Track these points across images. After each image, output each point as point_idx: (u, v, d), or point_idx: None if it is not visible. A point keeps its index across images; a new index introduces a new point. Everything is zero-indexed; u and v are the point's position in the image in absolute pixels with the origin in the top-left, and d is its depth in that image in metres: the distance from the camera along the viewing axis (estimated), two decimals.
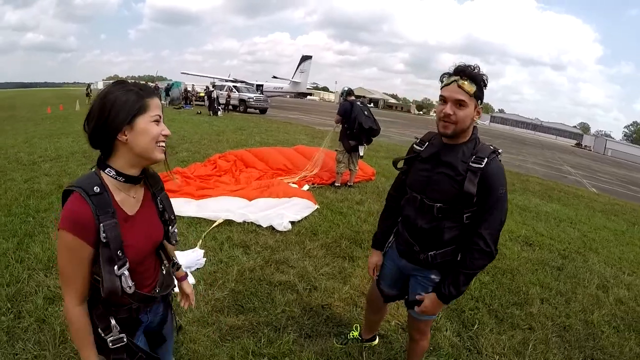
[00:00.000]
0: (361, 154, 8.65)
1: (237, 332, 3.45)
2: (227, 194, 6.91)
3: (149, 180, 1.75)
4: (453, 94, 2.15)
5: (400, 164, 2.64)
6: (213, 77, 43.07)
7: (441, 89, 2.24)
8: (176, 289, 2.09)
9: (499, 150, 2.27)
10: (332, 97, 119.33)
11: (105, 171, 1.55)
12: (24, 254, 4.57)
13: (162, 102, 1.82)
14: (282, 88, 46.72)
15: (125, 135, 1.49)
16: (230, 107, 31.94)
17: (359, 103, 8.46)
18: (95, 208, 1.45)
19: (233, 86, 34.61)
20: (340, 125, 8.64)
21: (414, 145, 2.55)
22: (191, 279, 4.14)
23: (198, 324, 3.46)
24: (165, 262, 1.93)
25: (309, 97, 69.58)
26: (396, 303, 3.79)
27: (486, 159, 2.17)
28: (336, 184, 8.68)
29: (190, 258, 4.57)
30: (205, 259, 4.70)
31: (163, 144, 1.59)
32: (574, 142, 73.50)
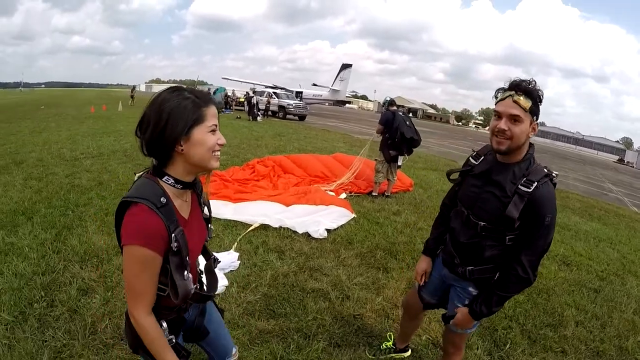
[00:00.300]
0: (399, 164, 8.65)
1: (266, 336, 3.51)
2: (265, 199, 7.03)
3: (203, 184, 1.80)
4: (508, 109, 2.11)
5: (454, 176, 2.64)
6: (253, 83, 43.60)
7: (496, 104, 2.20)
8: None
9: (554, 174, 2.20)
10: (370, 105, 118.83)
11: (164, 179, 1.55)
12: (61, 246, 4.81)
13: None
14: (321, 95, 46.92)
15: (182, 146, 1.49)
16: (270, 113, 32.38)
17: (400, 113, 8.48)
18: (166, 219, 1.47)
19: (273, 92, 35.07)
20: (380, 136, 8.66)
21: (470, 158, 2.53)
22: (225, 281, 4.24)
23: (228, 326, 3.49)
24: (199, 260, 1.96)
25: (347, 105, 69.56)
26: (427, 317, 3.80)
27: (536, 183, 2.11)
28: (373, 194, 8.70)
29: (225, 260, 4.66)
30: (239, 261, 4.79)
31: (218, 153, 1.59)
32: (616, 157, 70.83)
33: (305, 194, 7.53)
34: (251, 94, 31.14)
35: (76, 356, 3.04)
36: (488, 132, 2.37)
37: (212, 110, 1.55)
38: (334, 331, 3.70)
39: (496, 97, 2.21)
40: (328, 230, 6.09)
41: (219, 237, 5.38)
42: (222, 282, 4.14)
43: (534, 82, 2.12)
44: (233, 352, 2.21)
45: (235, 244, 5.23)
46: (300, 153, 12.33)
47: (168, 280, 1.55)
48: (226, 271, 4.53)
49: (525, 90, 2.08)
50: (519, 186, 2.14)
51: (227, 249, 5.06)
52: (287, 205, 6.93)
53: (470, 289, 2.50)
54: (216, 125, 1.57)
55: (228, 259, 4.72)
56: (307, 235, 5.89)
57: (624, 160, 64.85)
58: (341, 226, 6.44)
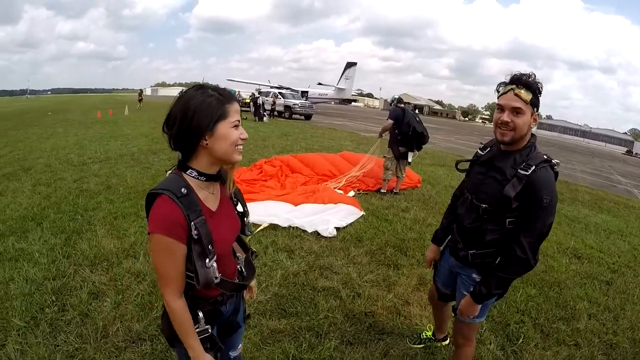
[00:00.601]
0: (410, 160, 8.63)
1: (278, 335, 3.51)
2: (273, 199, 7.02)
3: (227, 177, 1.85)
4: (510, 102, 2.23)
5: (462, 165, 2.78)
6: (258, 84, 43.62)
7: (498, 97, 2.32)
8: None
9: (554, 161, 2.29)
10: (376, 103, 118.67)
11: (187, 172, 1.65)
12: (71, 250, 4.84)
13: None
14: (326, 94, 46.94)
15: (206, 140, 1.58)
16: (276, 113, 32.38)
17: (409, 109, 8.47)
18: (185, 208, 1.55)
19: (278, 92, 35.09)
20: (388, 135, 8.66)
21: (478, 150, 2.66)
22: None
23: None
24: (239, 253, 2.07)
25: (353, 103, 69.46)
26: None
27: (534, 167, 2.21)
28: (382, 191, 8.68)
29: None
30: None
31: (241, 147, 1.66)
32: (624, 149, 70.18)
33: (313, 193, 7.52)
34: (257, 94, 31.11)
35: None
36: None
37: (234, 106, 1.64)
38: (345, 329, 3.70)
39: (498, 91, 2.34)
40: (337, 229, 6.09)
41: None
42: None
43: (533, 76, 2.25)
44: (238, 347, 2.27)
45: None
46: (307, 152, 12.32)
47: (193, 267, 1.63)
48: None
49: (526, 84, 2.22)
50: (519, 170, 2.25)
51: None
52: (296, 204, 6.92)
53: (474, 275, 2.58)
54: (239, 121, 1.65)
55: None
56: (316, 234, 5.88)
57: (632, 152, 64.30)
58: (350, 224, 6.43)
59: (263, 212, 6.37)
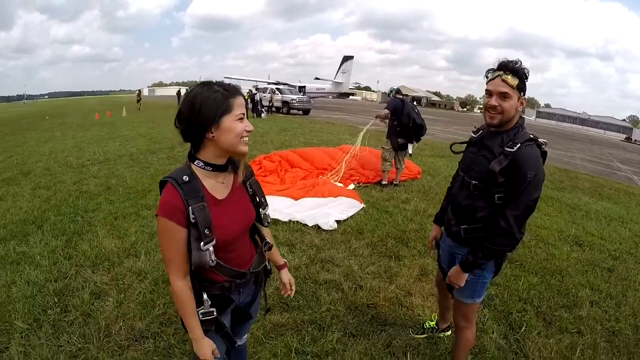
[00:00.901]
0: (410, 152, 8.64)
1: (281, 329, 3.52)
2: (273, 194, 7.01)
3: (238, 167, 1.92)
4: (497, 87, 2.37)
5: (456, 147, 2.93)
6: (255, 80, 43.53)
7: (487, 83, 2.46)
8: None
9: (541, 140, 2.42)
10: (374, 96, 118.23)
11: (195, 163, 1.76)
12: (72, 251, 4.86)
13: None
14: (324, 89, 46.81)
15: (212, 133, 1.67)
16: (274, 109, 32.29)
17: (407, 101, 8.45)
18: (185, 194, 1.66)
19: (276, 88, 34.99)
20: (382, 122, 8.69)
21: (471, 133, 2.80)
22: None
23: None
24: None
25: (351, 97, 69.28)
26: None
27: (519, 144, 2.33)
28: (383, 183, 8.66)
29: None
30: None
31: (246, 139, 1.76)
32: (623, 136, 69.87)
33: (313, 187, 7.54)
34: (254, 91, 31.05)
35: (91, 359, 3.06)
36: None
37: (239, 100, 1.72)
38: (348, 321, 3.71)
39: (487, 77, 2.48)
40: (338, 222, 6.09)
41: None
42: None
43: (519, 62, 2.37)
44: (244, 337, 2.35)
45: None
46: (306, 147, 12.34)
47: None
48: None
49: (512, 70, 2.35)
50: (505, 147, 2.37)
51: None
52: (296, 199, 6.94)
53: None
54: (243, 114, 1.73)
55: None
56: (317, 227, 5.89)
57: (631, 139, 64.04)
58: (351, 217, 6.44)
59: None
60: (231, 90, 1.71)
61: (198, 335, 1.79)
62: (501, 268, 2.70)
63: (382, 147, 8.66)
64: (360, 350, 3.31)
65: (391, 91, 8.80)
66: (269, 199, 6.52)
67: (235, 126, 1.69)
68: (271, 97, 32.80)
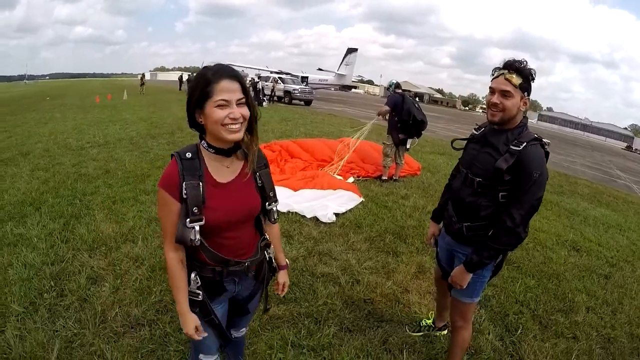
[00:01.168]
0: (408, 146, 8.60)
1: (277, 322, 3.50)
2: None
3: (249, 156, 1.87)
4: (500, 85, 2.39)
5: (457, 144, 2.97)
6: (258, 69, 43.37)
7: (491, 81, 2.49)
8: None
9: (545, 140, 2.44)
10: (377, 90, 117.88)
11: (201, 143, 1.78)
12: (70, 235, 4.83)
13: None
14: (327, 80, 46.70)
15: (200, 118, 1.69)
16: (276, 98, 32.17)
17: (408, 96, 8.40)
18: (183, 169, 1.69)
19: (278, 78, 34.83)
20: (382, 118, 8.70)
21: (473, 130, 2.83)
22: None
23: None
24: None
25: (353, 90, 69.06)
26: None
27: (525, 143, 2.35)
28: (383, 178, 8.64)
29: None
30: None
31: (234, 126, 1.67)
32: (624, 144, 69.79)
33: (313, 179, 7.52)
34: (256, 79, 30.90)
35: (87, 345, 3.04)
36: None
37: (221, 85, 1.62)
38: (344, 316, 3.70)
39: (492, 75, 2.50)
40: (336, 215, 6.08)
41: None
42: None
43: (525, 62, 2.39)
44: (241, 330, 2.40)
45: None
46: (306, 138, 12.31)
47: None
48: None
49: (517, 69, 2.37)
50: (511, 146, 2.39)
51: None
52: (295, 189, 6.93)
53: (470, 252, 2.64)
54: (225, 100, 1.63)
55: None
56: (315, 219, 5.88)
57: (632, 147, 64.06)
58: (350, 210, 6.43)
59: None
60: (218, 74, 1.63)
61: (184, 309, 1.82)
62: (501, 267, 2.71)
63: (384, 143, 8.62)
64: (357, 346, 3.30)
65: (390, 85, 8.75)
66: None
67: (213, 113, 1.63)
68: (273, 87, 32.61)
